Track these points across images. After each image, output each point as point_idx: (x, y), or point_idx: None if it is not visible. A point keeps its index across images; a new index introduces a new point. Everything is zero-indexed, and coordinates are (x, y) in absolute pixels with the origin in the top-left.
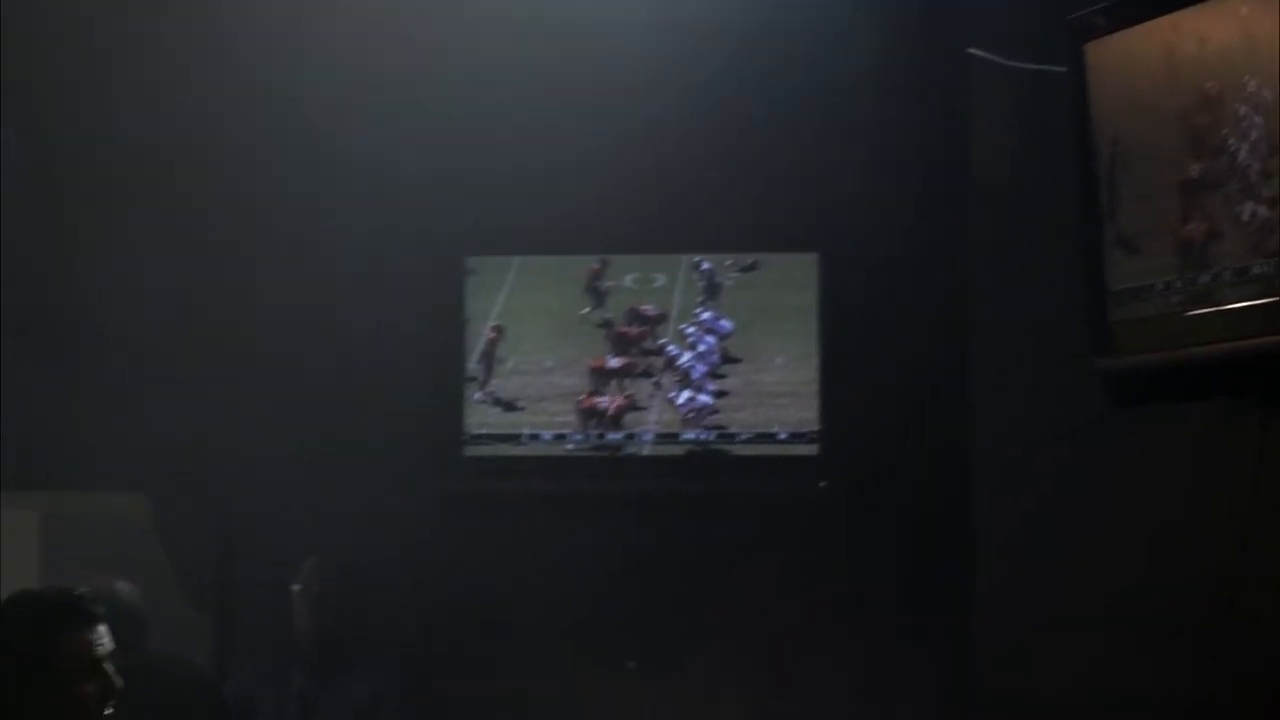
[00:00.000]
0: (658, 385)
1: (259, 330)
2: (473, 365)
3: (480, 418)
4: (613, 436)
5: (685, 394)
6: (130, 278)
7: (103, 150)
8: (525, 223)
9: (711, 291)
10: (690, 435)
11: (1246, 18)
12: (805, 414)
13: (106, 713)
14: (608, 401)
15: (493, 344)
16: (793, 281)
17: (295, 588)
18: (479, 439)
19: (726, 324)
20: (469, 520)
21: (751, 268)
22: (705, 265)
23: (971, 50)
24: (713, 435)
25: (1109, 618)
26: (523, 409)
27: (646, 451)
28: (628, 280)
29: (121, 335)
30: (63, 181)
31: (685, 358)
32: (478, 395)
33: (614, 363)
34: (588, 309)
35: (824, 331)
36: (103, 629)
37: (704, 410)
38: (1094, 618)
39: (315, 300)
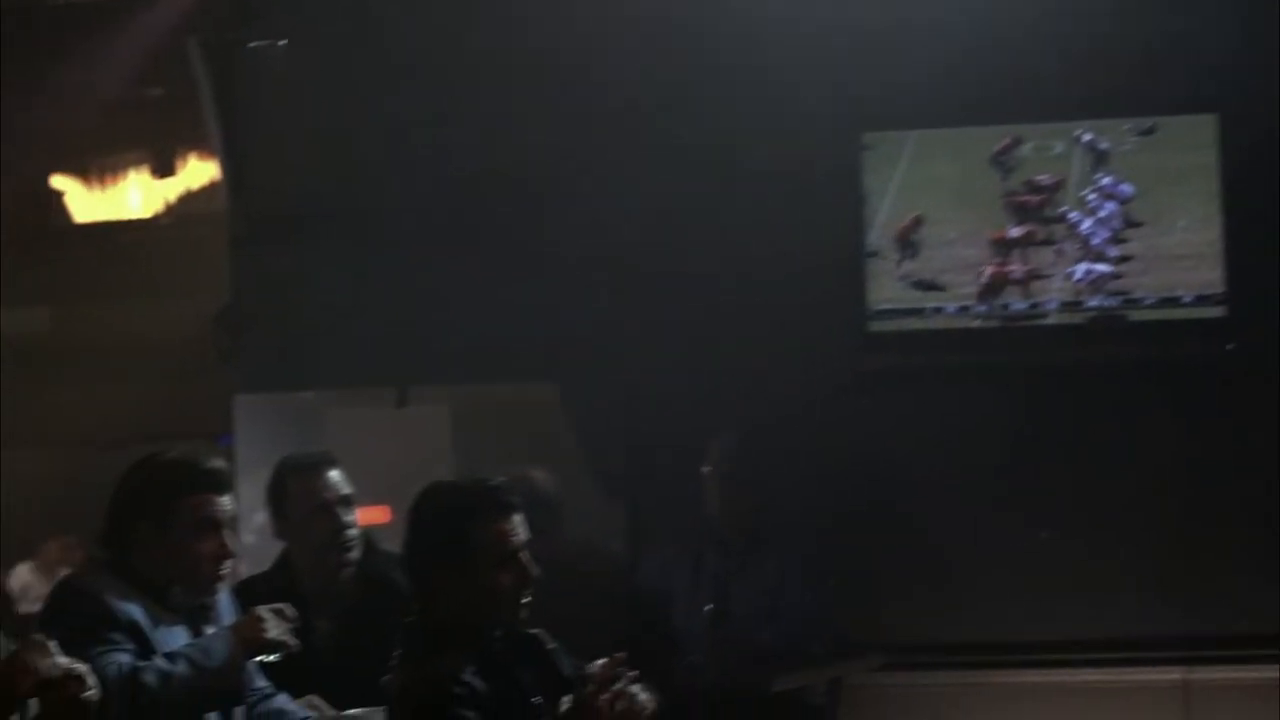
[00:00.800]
0: (1059, 253)
1: (660, 215)
2: (875, 241)
3: (883, 293)
4: (1017, 306)
5: (1083, 266)
6: (531, 169)
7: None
8: (921, 96)
9: (1106, 158)
10: (1094, 302)
11: None
12: (1210, 276)
13: (523, 601)
14: (1011, 271)
15: (909, 230)
16: (1192, 143)
17: (705, 469)
18: (883, 314)
19: (1127, 188)
20: (875, 396)
21: (1150, 131)
22: (1089, 136)
23: None
24: (1117, 301)
25: None
26: (928, 283)
27: (1051, 320)
28: (1025, 149)
29: (530, 228)
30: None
31: (1086, 224)
32: (890, 273)
33: (1015, 232)
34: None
35: (1226, 192)
36: (518, 518)
37: (1103, 279)
38: None
39: (713, 180)
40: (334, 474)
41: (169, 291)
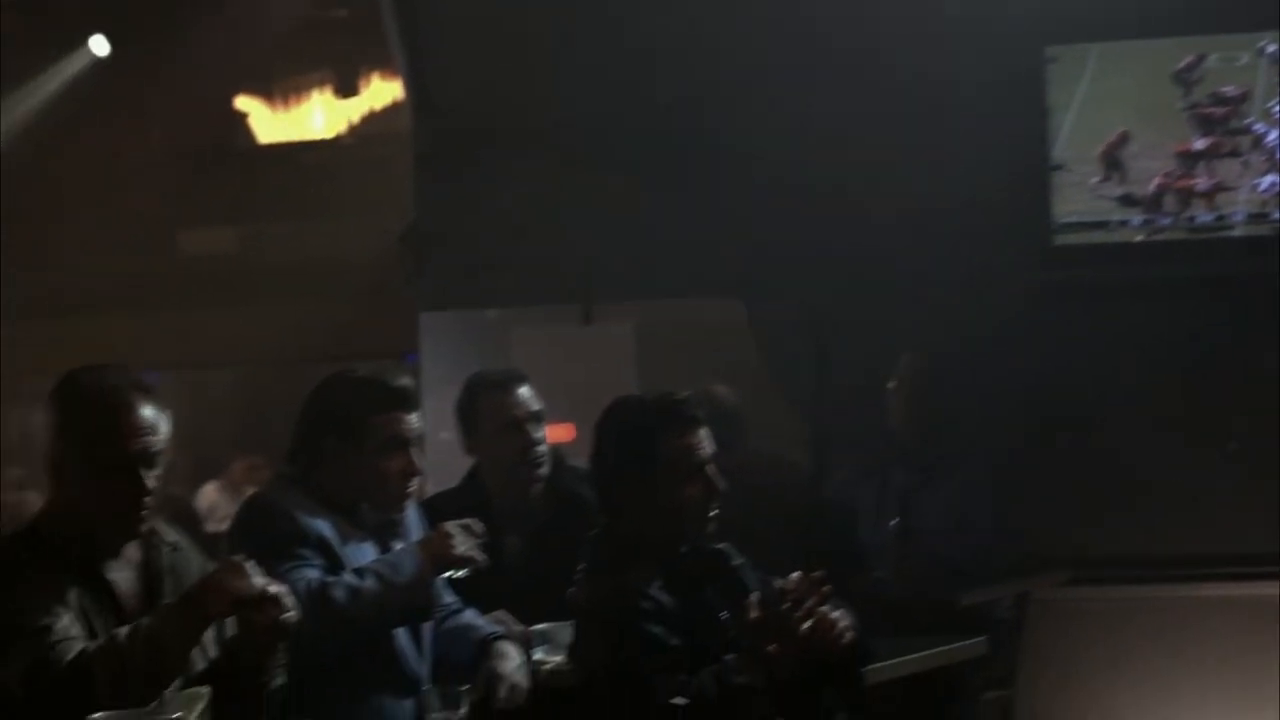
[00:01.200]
0: (1245, 165)
1: (844, 133)
2: (1059, 155)
3: (1068, 206)
4: (1203, 218)
5: (1269, 178)
6: (717, 88)
7: None
8: (1106, 9)
9: None
10: None
11: None
12: None
13: (709, 515)
14: (1196, 184)
15: (1114, 147)
16: None
17: (890, 384)
18: (1067, 228)
19: None
20: (1059, 309)
21: None
22: (1274, 48)
23: None
24: None
25: None
26: (1132, 198)
27: (1237, 233)
28: (1210, 61)
29: (716, 147)
30: None
31: (1272, 136)
32: (1075, 186)
33: (1199, 144)
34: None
35: None
36: (704, 432)
37: None
38: None
39: (897, 97)
40: (524, 390)
41: (354, 211)
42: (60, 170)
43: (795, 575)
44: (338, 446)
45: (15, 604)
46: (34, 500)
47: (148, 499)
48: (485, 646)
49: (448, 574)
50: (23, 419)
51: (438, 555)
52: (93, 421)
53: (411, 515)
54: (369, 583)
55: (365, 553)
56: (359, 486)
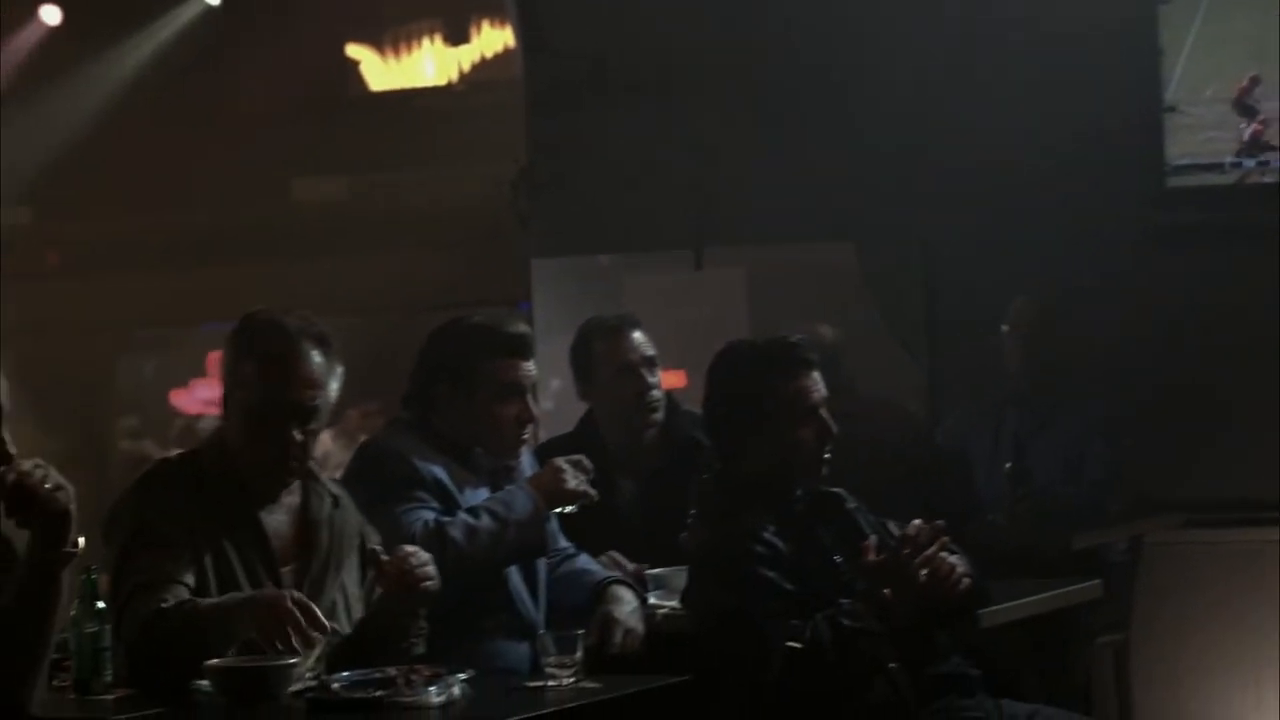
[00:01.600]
0: None
1: (955, 76)
2: (1173, 96)
3: (1181, 147)
4: None
5: None
6: (828, 33)
7: None
8: None
9: None
10: None
11: None
12: None
13: (824, 457)
14: None
15: (1245, 91)
16: None
17: (1004, 328)
18: (1180, 170)
19: None
20: (1173, 252)
21: None
22: None
23: None
24: None
25: None
26: (1264, 144)
27: None
28: None
29: (827, 90)
30: None
31: None
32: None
33: None
34: None
35: None
36: (816, 375)
37: None
38: None
39: (1008, 40)
40: (638, 335)
41: (466, 158)
42: (174, 119)
43: (916, 523)
44: (453, 392)
45: (150, 517)
46: (150, 449)
47: (296, 451)
48: (600, 591)
49: (559, 509)
50: (137, 368)
51: (549, 491)
52: (258, 366)
53: (526, 460)
54: (484, 520)
55: (480, 497)
56: (474, 432)
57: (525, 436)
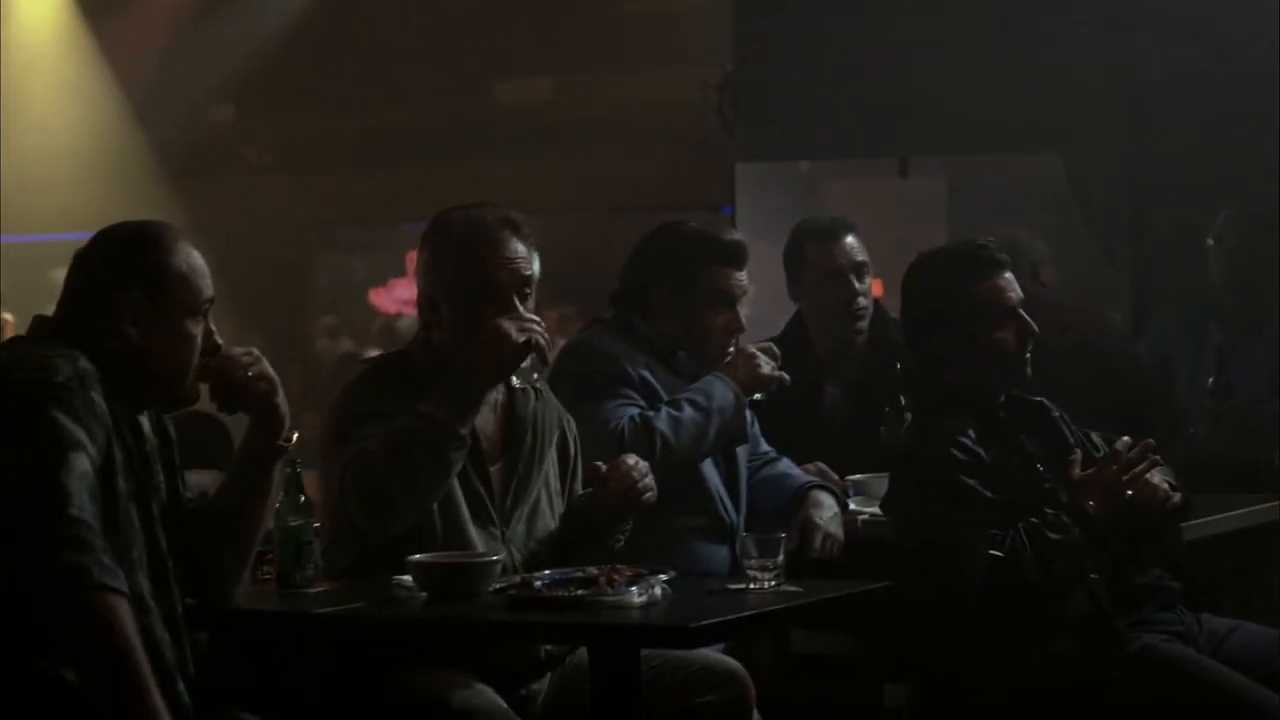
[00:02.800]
0: None
1: None
2: None
3: None
4: None
5: None
6: None
7: None
8: None
9: None
10: None
11: None
12: None
13: (1024, 359)
14: None
15: None
16: None
17: (1209, 242)
18: None
19: None
20: None
21: None
22: None
23: None
24: None
25: None
26: None
27: None
28: None
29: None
30: None
31: None
32: None
33: None
34: None
35: None
36: (1009, 275)
37: None
38: None
39: None
40: (850, 240)
41: (670, 61)
42: (378, 19)
43: (1125, 440)
44: (664, 296)
45: (365, 411)
46: (348, 347)
47: (523, 317)
48: (801, 496)
49: (754, 396)
50: (337, 267)
51: (745, 377)
52: (463, 252)
53: None
54: (687, 411)
55: None
56: (681, 337)
57: (732, 347)
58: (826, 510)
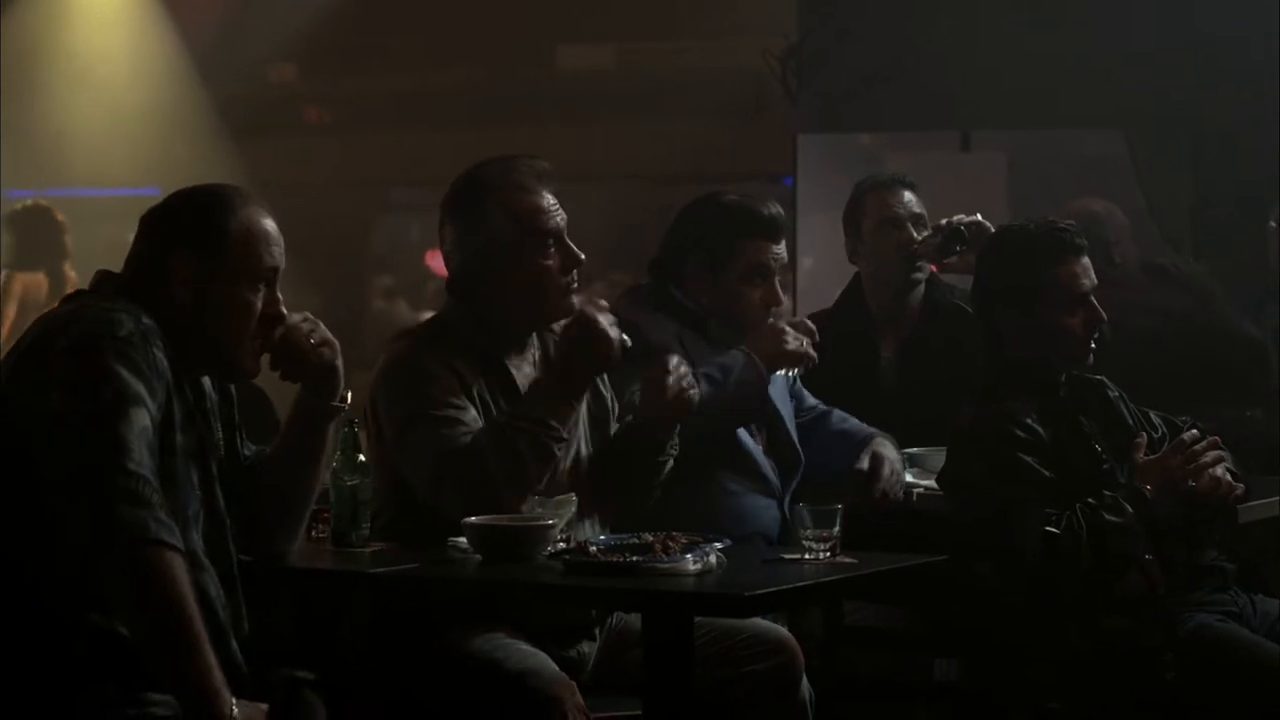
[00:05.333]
0: None
1: None
2: None
3: None
4: None
5: None
6: None
7: None
8: None
9: None
10: None
11: None
12: None
13: (1091, 344)
14: None
15: None
16: None
17: (1272, 223)
18: None
19: None
20: None
21: None
22: None
23: None
24: None
25: None
26: None
27: None
28: None
29: None
30: None
31: None
32: None
33: None
34: None
35: None
36: (1086, 261)
37: None
38: None
39: None
40: (909, 194)
41: (733, 30)
42: None
43: (1192, 432)
44: (700, 267)
45: (423, 394)
46: (403, 308)
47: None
48: (865, 443)
49: (782, 372)
50: (394, 228)
51: (769, 352)
52: (497, 205)
53: None
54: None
55: None
56: (714, 309)
57: (769, 321)
58: (892, 450)
